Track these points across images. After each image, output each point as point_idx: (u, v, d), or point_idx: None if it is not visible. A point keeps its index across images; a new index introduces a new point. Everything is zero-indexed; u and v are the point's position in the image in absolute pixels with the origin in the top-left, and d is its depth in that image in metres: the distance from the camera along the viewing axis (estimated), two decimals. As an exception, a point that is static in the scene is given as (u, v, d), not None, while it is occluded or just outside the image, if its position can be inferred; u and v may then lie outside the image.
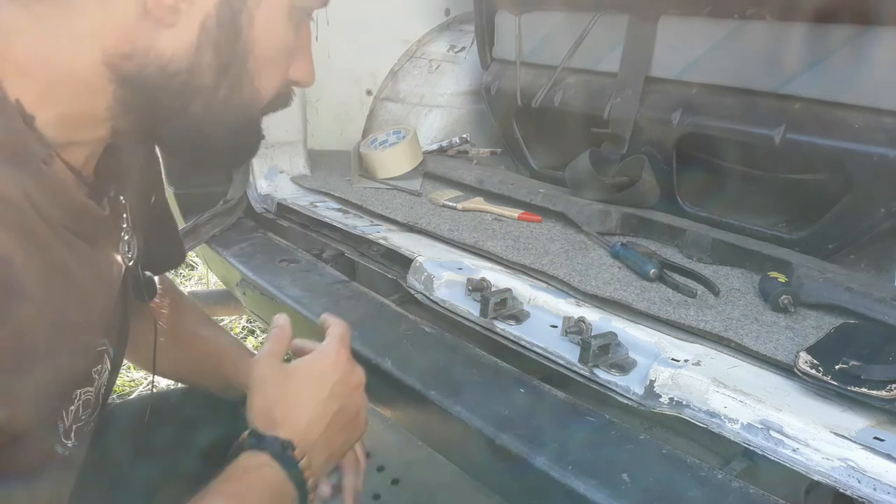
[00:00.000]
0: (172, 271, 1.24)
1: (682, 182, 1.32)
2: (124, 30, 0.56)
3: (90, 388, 0.65)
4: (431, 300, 1.03)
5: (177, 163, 1.22)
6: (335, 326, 0.80)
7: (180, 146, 0.67)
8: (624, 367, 0.83)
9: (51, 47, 0.55)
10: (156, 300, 0.91)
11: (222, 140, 0.67)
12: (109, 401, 0.85)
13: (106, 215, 0.63)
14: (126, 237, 0.69)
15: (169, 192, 1.61)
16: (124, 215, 0.68)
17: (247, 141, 0.70)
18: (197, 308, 1.02)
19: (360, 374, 0.78)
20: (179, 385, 1.21)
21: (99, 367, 0.65)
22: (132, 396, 1.65)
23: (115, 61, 0.56)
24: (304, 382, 0.74)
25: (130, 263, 0.70)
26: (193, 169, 1.37)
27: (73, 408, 0.62)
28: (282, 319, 0.78)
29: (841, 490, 0.63)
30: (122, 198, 0.68)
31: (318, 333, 1.07)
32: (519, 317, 0.95)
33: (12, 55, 0.54)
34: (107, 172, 0.65)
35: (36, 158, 0.54)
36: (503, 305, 0.96)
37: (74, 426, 0.62)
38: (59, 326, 0.55)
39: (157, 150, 0.82)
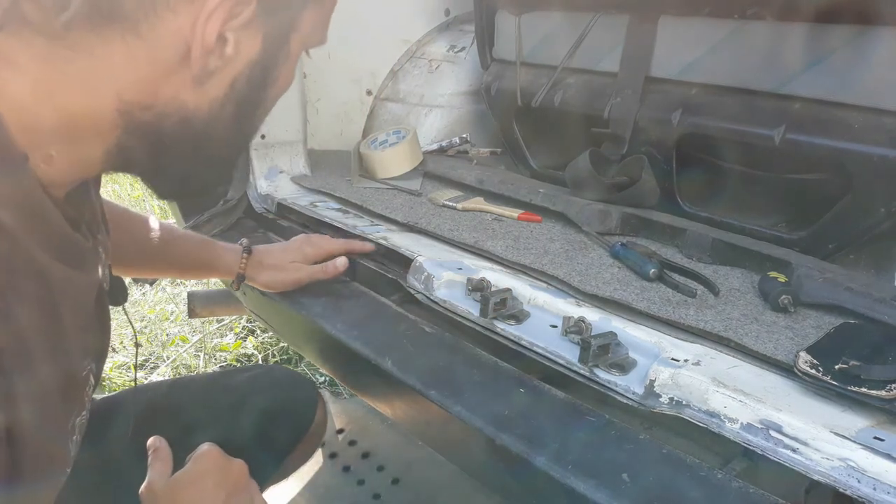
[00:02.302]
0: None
1: (681, 182, 1.32)
2: (150, 82, 0.54)
3: (85, 412, 0.66)
4: (431, 300, 1.03)
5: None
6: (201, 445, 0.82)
7: (169, 183, 0.66)
8: (624, 366, 0.83)
9: (59, 91, 0.52)
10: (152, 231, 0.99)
11: (213, 175, 0.68)
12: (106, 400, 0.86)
13: (90, 245, 0.63)
14: (102, 255, 0.69)
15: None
16: (98, 236, 0.68)
17: (228, 170, 0.71)
18: (163, 223, 1.10)
19: (238, 464, 0.81)
20: (177, 384, 1.22)
21: (87, 388, 0.66)
22: (128, 395, 1.65)
23: (132, 110, 0.55)
24: (190, 488, 0.76)
25: (107, 277, 0.70)
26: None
27: (76, 437, 0.65)
28: (158, 442, 0.80)
29: (841, 490, 0.63)
30: (94, 217, 0.68)
31: (318, 334, 1.07)
32: (519, 317, 0.95)
33: (13, 93, 0.51)
34: (78, 199, 0.63)
35: (29, 198, 0.52)
36: (503, 305, 0.96)
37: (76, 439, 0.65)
38: (53, 363, 0.55)
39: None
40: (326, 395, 2.00)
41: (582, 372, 0.84)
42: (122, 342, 2.24)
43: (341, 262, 1.08)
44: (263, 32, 0.57)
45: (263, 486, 1.14)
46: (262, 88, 0.60)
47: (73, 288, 0.59)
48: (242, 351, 2.29)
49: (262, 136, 1.51)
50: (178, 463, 0.81)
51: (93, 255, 0.65)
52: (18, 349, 0.50)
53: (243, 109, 0.60)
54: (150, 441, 0.79)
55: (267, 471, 1.12)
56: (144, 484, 0.76)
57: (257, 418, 1.06)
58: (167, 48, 0.53)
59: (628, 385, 0.81)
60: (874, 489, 0.61)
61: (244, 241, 1.11)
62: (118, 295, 0.75)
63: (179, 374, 2.20)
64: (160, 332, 2.37)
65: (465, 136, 1.72)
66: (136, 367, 1.01)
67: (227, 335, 2.37)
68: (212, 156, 0.63)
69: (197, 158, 0.62)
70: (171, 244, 1.07)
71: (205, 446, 0.80)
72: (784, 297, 0.94)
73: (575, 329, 0.89)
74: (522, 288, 1.00)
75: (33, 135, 0.52)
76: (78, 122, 0.54)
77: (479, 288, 0.99)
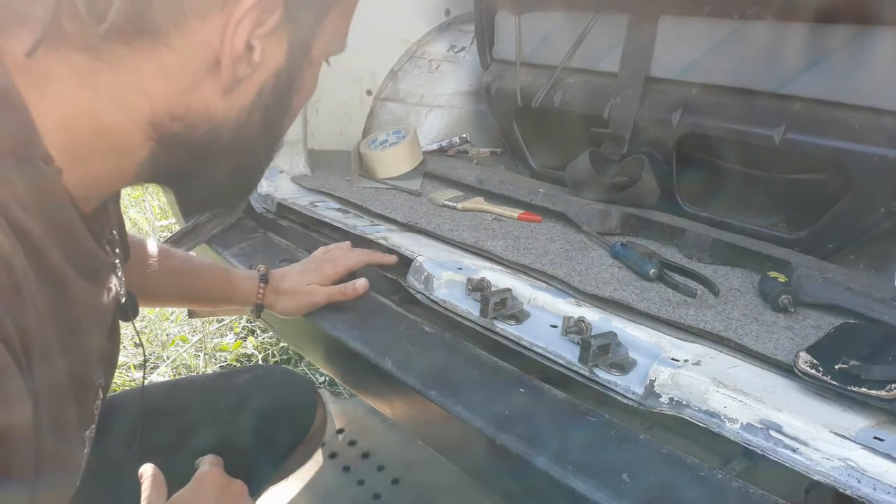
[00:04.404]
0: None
1: (681, 182, 1.32)
2: (181, 93, 0.55)
3: (93, 426, 0.66)
4: (431, 300, 1.03)
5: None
6: (203, 460, 0.82)
7: (198, 193, 0.67)
8: (624, 366, 0.83)
9: (94, 104, 0.53)
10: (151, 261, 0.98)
11: (240, 185, 0.69)
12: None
13: (110, 261, 0.64)
14: (119, 272, 0.69)
15: (169, 192, 1.61)
16: (116, 250, 0.68)
17: (254, 181, 0.71)
18: (177, 251, 1.08)
19: (238, 485, 0.80)
20: (177, 385, 1.22)
21: (97, 402, 0.66)
22: (129, 395, 1.65)
23: (163, 121, 0.55)
24: None
25: (122, 293, 0.70)
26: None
27: (86, 451, 0.65)
28: (150, 470, 0.80)
29: (841, 490, 0.63)
30: (114, 233, 0.68)
31: (317, 334, 1.07)
32: (519, 317, 0.95)
33: (51, 109, 0.51)
34: (101, 214, 0.64)
35: (59, 213, 0.53)
36: (503, 305, 0.96)
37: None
38: (67, 373, 0.56)
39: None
40: (326, 395, 2.00)
41: (582, 372, 0.84)
42: (121, 342, 2.24)
43: (361, 284, 1.05)
44: (288, 39, 0.58)
45: (263, 487, 1.13)
46: (287, 96, 0.61)
47: (92, 302, 0.60)
48: (242, 351, 2.29)
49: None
50: (177, 465, 0.81)
51: (111, 271, 0.65)
52: (40, 351, 0.50)
53: (270, 117, 0.61)
54: (141, 469, 0.79)
55: (266, 472, 1.11)
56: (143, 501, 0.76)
57: (257, 420, 1.07)
58: (197, 58, 0.54)
59: (628, 385, 0.81)
60: (874, 489, 0.61)
61: (261, 267, 1.08)
62: (128, 310, 0.75)
63: (179, 374, 2.20)
64: (160, 332, 2.37)
65: (465, 136, 1.72)
66: (144, 368, 1.00)
67: (227, 335, 2.37)
68: (241, 166, 0.64)
69: (226, 168, 0.62)
70: (185, 275, 1.05)
71: (205, 466, 0.80)
72: (784, 297, 0.94)
73: (575, 329, 0.89)
74: (522, 288, 1.00)
75: (69, 150, 0.53)
76: (112, 135, 0.54)
77: (479, 288, 0.99)
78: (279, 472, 1.16)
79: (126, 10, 0.50)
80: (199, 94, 0.56)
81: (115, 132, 0.54)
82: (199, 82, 0.55)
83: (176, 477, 0.79)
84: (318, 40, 0.61)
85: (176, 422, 1.01)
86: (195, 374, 2.17)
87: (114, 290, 0.67)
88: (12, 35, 0.50)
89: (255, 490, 1.10)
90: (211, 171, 0.62)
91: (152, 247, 1.00)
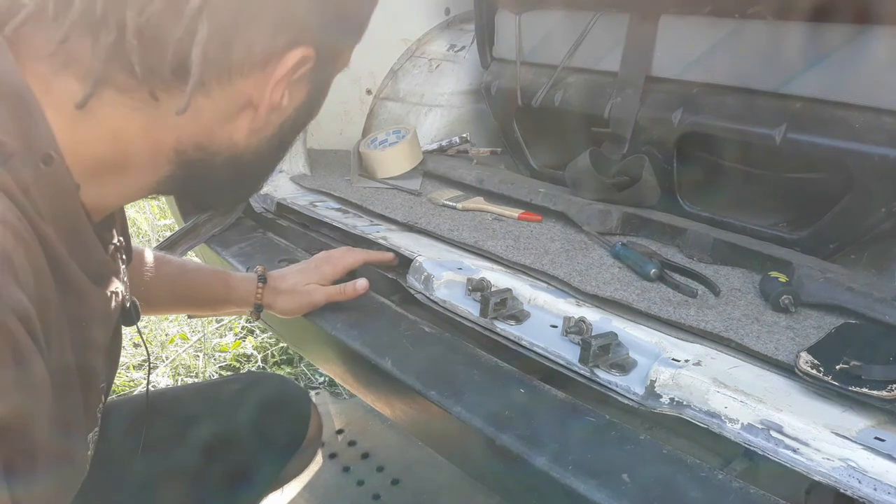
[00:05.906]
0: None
1: (682, 181, 1.32)
2: (209, 129, 0.58)
3: (97, 429, 0.67)
4: (431, 300, 1.02)
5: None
6: None
7: (202, 199, 0.71)
8: (624, 367, 0.83)
9: (122, 133, 0.55)
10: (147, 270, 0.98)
11: (243, 192, 0.75)
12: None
13: (116, 268, 0.66)
14: (124, 277, 0.70)
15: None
16: (122, 256, 0.70)
17: (258, 187, 0.75)
18: (172, 258, 1.09)
19: None
20: (178, 384, 1.21)
21: (100, 406, 0.67)
22: (131, 394, 1.66)
23: (187, 149, 0.59)
24: None
25: (126, 297, 0.71)
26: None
27: (90, 453, 0.66)
28: None
29: (841, 490, 0.63)
30: (121, 239, 0.70)
31: (317, 334, 1.07)
32: (519, 317, 0.95)
33: (78, 133, 0.54)
34: (108, 220, 0.66)
35: (74, 224, 0.55)
36: (503, 305, 0.96)
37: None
38: (75, 378, 0.57)
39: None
40: (326, 396, 1.99)
41: (582, 372, 0.84)
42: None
43: (361, 284, 1.05)
44: (311, 81, 0.62)
45: (258, 497, 1.12)
46: (305, 124, 0.67)
47: (99, 305, 0.62)
48: (241, 351, 2.29)
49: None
50: (173, 469, 0.80)
51: (116, 276, 0.67)
52: (54, 348, 0.51)
53: (285, 142, 0.66)
54: None
55: (261, 483, 1.10)
56: None
57: (248, 431, 1.05)
58: (231, 104, 0.57)
59: (629, 385, 0.81)
60: (875, 489, 0.61)
61: (259, 268, 1.08)
62: (130, 315, 0.75)
63: (178, 374, 2.20)
64: (160, 332, 2.37)
65: (465, 135, 1.71)
66: (148, 369, 1.00)
67: (226, 335, 2.37)
68: (247, 177, 0.68)
69: (233, 181, 0.66)
70: (182, 280, 1.04)
71: None
72: (785, 297, 0.94)
73: (575, 329, 0.88)
74: (522, 288, 1.00)
75: (88, 168, 0.55)
76: (135, 159, 0.57)
77: (479, 288, 0.99)
78: (274, 482, 1.15)
79: (201, 72, 0.53)
80: (225, 130, 0.59)
81: (139, 157, 0.57)
82: (227, 121, 0.59)
83: (169, 481, 0.79)
84: (335, 72, 0.66)
85: (166, 431, 1.00)
86: (189, 379, 2.16)
87: (119, 294, 0.67)
88: (43, 61, 0.52)
89: (252, 500, 1.09)
90: (222, 187, 0.66)
91: (148, 255, 0.99)
